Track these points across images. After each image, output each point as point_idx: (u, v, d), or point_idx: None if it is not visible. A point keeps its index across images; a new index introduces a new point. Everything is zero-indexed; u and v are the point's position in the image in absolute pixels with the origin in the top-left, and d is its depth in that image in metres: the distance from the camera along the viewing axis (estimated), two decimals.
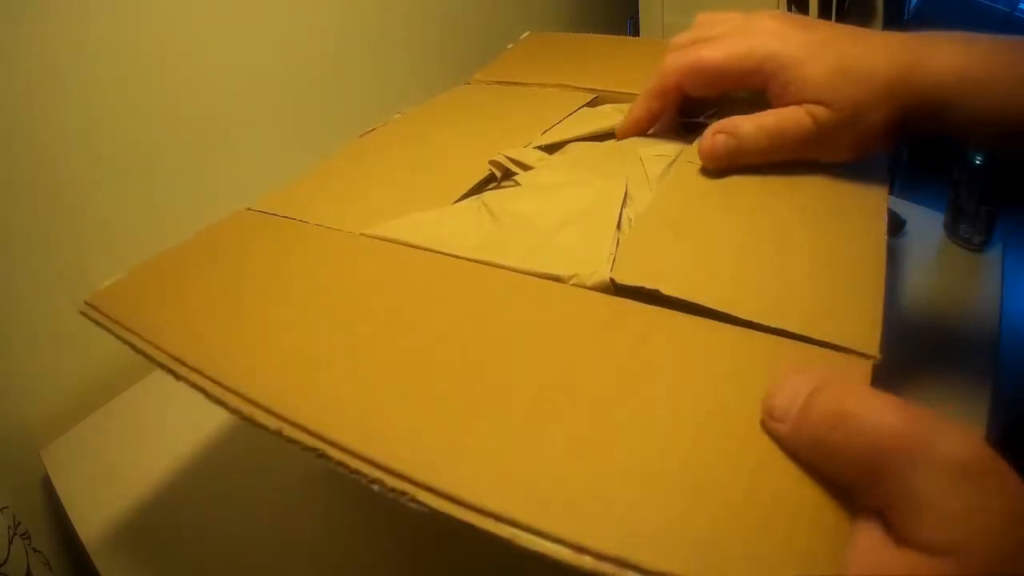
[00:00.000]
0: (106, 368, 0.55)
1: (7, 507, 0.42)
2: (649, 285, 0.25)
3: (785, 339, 0.23)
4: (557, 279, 0.28)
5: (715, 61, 0.32)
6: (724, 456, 0.19)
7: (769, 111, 0.31)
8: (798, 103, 0.30)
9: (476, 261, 0.29)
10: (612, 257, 0.28)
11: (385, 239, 0.32)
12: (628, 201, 0.32)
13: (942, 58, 0.28)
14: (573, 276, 0.27)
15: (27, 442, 0.50)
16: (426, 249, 0.31)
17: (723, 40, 0.32)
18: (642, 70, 0.37)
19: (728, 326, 0.24)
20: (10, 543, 0.40)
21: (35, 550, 0.43)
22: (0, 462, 0.49)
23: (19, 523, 0.42)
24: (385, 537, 0.39)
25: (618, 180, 0.33)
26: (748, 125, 0.31)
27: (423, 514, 0.19)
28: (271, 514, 0.41)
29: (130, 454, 0.48)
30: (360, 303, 0.28)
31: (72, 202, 0.51)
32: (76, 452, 0.50)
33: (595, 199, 0.32)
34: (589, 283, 0.27)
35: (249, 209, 0.37)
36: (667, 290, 0.25)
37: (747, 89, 0.33)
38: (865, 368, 0.21)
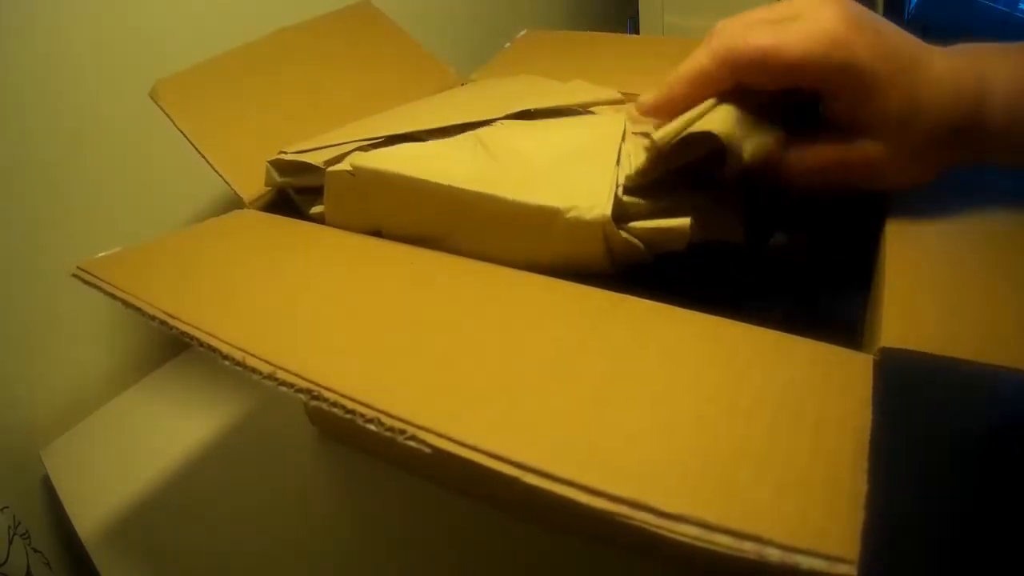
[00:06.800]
0: (106, 368, 0.55)
1: (7, 507, 0.42)
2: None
3: (786, 336, 0.23)
4: (554, 211, 0.27)
5: (792, 56, 0.25)
6: (731, 427, 0.18)
7: (829, 147, 0.28)
8: (859, 134, 0.27)
9: (469, 191, 0.29)
10: (612, 193, 0.27)
11: (377, 170, 0.32)
12: (626, 136, 0.31)
13: (1004, 83, 0.25)
14: (571, 208, 0.27)
15: (27, 442, 0.50)
16: (418, 179, 0.30)
17: (798, 29, 0.26)
18: (642, 69, 0.36)
19: (729, 321, 0.24)
20: (10, 543, 0.40)
21: (35, 550, 0.43)
22: (0, 462, 0.49)
23: (19, 523, 0.42)
24: (383, 538, 0.39)
25: (616, 118, 0.33)
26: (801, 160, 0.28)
27: (423, 456, 0.18)
28: (270, 515, 0.41)
29: (130, 454, 0.48)
30: (354, 275, 0.29)
31: (72, 202, 0.51)
32: (76, 452, 0.50)
33: (593, 136, 0.32)
34: (588, 216, 0.26)
35: (247, 208, 0.37)
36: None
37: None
38: (866, 364, 0.21)
